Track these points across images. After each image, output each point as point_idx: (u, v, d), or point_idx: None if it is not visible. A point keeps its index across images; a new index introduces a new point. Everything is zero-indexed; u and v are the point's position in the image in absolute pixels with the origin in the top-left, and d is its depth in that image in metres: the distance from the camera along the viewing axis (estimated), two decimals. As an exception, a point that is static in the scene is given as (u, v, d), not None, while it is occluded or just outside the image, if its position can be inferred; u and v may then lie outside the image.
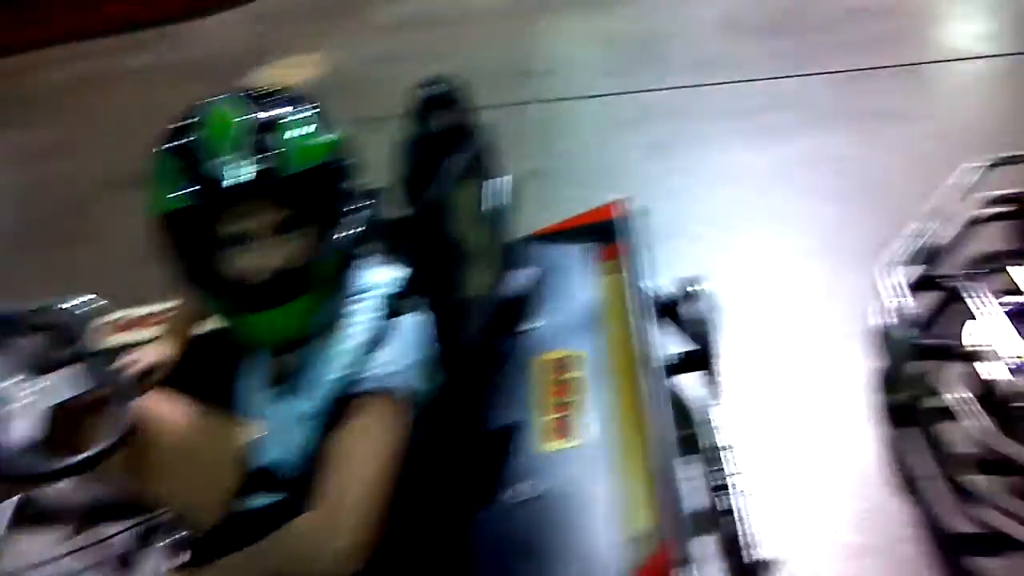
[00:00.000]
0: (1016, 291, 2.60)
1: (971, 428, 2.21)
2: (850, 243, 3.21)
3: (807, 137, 3.95)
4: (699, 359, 2.37)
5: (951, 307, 2.71)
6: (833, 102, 4.23)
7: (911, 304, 2.62)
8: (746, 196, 3.65)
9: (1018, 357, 2.32)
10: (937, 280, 2.80)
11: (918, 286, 2.74)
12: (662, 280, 2.40)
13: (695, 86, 4.58)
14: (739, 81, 4.53)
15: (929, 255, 2.81)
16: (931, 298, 2.78)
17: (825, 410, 2.63)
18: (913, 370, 2.54)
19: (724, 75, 4.60)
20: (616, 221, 2.40)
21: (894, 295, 2.64)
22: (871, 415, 2.56)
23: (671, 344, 2.35)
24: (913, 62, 4.46)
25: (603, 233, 2.36)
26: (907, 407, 2.49)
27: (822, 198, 3.54)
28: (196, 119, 1.50)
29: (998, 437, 2.16)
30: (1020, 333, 2.38)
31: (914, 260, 2.79)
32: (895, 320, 2.59)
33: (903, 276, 2.71)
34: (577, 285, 2.20)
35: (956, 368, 2.47)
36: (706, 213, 3.57)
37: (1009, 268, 2.68)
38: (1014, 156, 3.06)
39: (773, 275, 3.18)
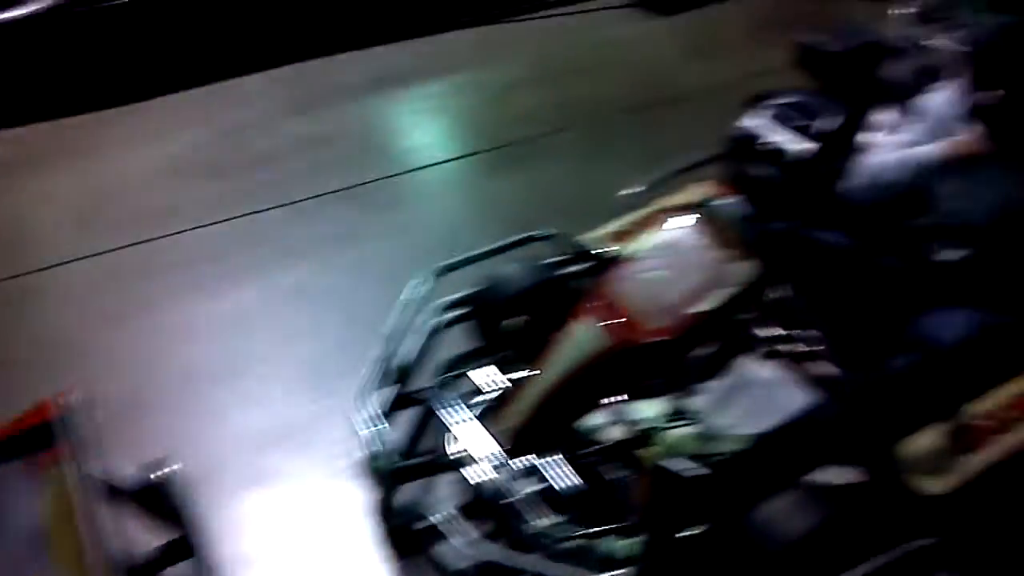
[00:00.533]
0: (480, 392, 2.73)
1: (458, 544, 2.25)
2: (328, 377, 3.19)
3: (268, 274, 3.87)
4: (182, 546, 2.19)
5: (430, 420, 2.77)
6: (290, 234, 4.20)
7: (388, 429, 2.61)
8: (213, 350, 3.49)
9: (494, 455, 2.42)
10: (412, 397, 2.84)
11: (395, 406, 2.76)
12: (124, 470, 2.19)
13: (147, 240, 4.31)
14: (192, 228, 4.35)
15: (400, 374, 2.83)
16: (410, 415, 2.83)
17: (334, 555, 2.57)
18: (404, 495, 2.55)
19: (176, 224, 4.38)
20: (54, 421, 2.12)
21: (370, 424, 2.61)
22: (378, 550, 2.52)
23: (149, 538, 2.15)
24: (364, 181, 4.54)
25: (39, 438, 2.08)
26: (405, 533, 2.48)
27: (293, 335, 3.48)
28: None
29: (482, 545, 2.23)
30: (489, 432, 2.49)
31: (386, 382, 2.79)
32: (377, 449, 2.56)
33: (377, 401, 2.70)
34: (12, 509, 1.91)
35: (447, 479, 2.53)
36: (171, 379, 3.35)
37: (470, 372, 2.81)
38: (457, 262, 3.17)
39: (254, 430, 3.05)
